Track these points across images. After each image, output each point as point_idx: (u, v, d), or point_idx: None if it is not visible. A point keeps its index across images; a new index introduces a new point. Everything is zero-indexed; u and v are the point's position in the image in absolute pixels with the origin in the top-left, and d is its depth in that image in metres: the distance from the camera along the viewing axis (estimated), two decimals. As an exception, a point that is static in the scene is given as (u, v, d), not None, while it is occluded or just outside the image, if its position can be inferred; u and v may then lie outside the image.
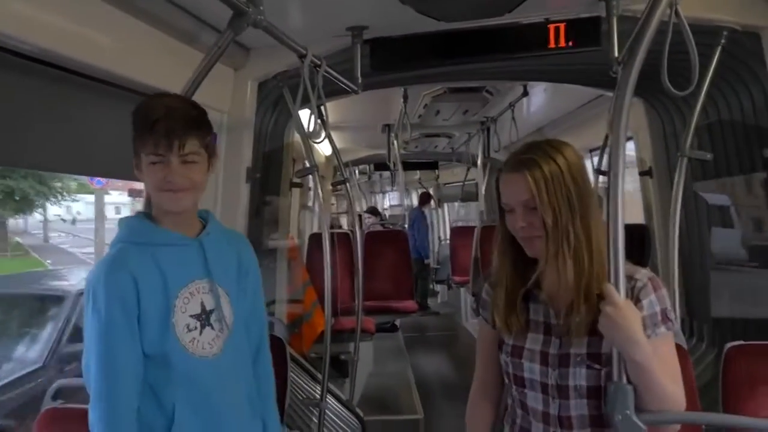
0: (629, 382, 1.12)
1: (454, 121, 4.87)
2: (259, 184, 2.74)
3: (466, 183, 7.30)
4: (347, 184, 3.28)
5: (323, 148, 4.81)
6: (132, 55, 1.78)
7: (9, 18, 1.33)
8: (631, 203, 3.36)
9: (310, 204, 4.84)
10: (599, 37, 2.08)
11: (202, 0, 1.75)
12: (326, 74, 2.17)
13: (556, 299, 1.23)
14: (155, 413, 1.26)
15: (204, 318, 1.30)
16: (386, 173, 7.93)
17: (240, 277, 1.40)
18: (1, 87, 1.50)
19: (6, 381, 3.43)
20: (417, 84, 3.45)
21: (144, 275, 1.25)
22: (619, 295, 1.11)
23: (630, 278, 1.17)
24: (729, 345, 1.85)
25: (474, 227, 6.13)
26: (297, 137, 3.02)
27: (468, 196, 7.74)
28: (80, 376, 1.28)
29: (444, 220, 10.09)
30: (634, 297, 1.16)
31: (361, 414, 3.11)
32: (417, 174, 9.71)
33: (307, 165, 2.57)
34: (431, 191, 9.52)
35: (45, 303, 4.21)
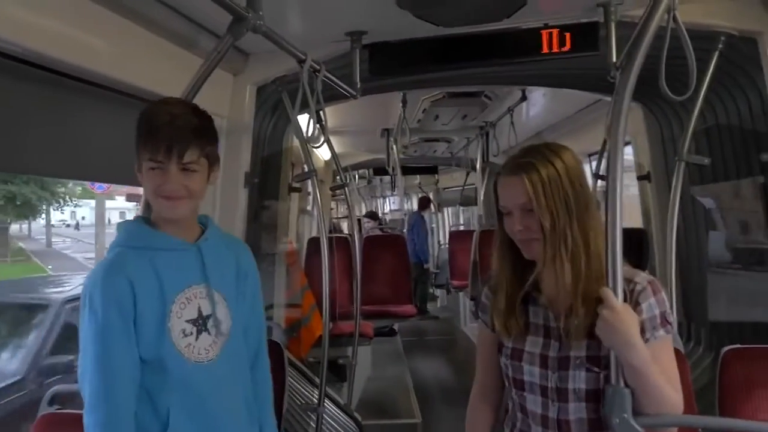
0: (627, 385, 1.12)
1: (453, 125, 4.88)
2: (257, 189, 2.74)
3: (465, 187, 7.32)
4: (346, 189, 3.28)
5: (322, 153, 4.83)
6: (130, 60, 1.78)
7: (6, 22, 1.33)
8: (630, 207, 3.37)
9: (309, 208, 4.85)
10: (597, 42, 2.09)
11: (201, 5, 1.75)
12: (325, 79, 2.17)
13: (555, 302, 1.23)
14: (150, 418, 1.26)
15: (200, 323, 1.30)
16: (387, 178, 7.94)
17: (239, 282, 1.40)
18: None
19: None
20: (416, 89, 3.46)
21: (141, 279, 1.25)
22: (616, 298, 1.11)
23: (629, 281, 1.18)
24: (726, 348, 1.86)
25: (472, 231, 6.14)
26: (296, 142, 3.02)
27: (467, 200, 7.76)
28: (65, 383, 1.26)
29: (444, 224, 10.10)
30: (634, 300, 1.17)
31: (359, 418, 3.11)
32: (417, 178, 9.73)
33: (306, 169, 2.57)
34: (431, 196, 9.54)
35: (28, 312, 4.09)
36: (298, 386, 2.73)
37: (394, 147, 4.93)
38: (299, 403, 2.63)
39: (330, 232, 4.79)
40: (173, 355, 1.26)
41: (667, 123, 2.83)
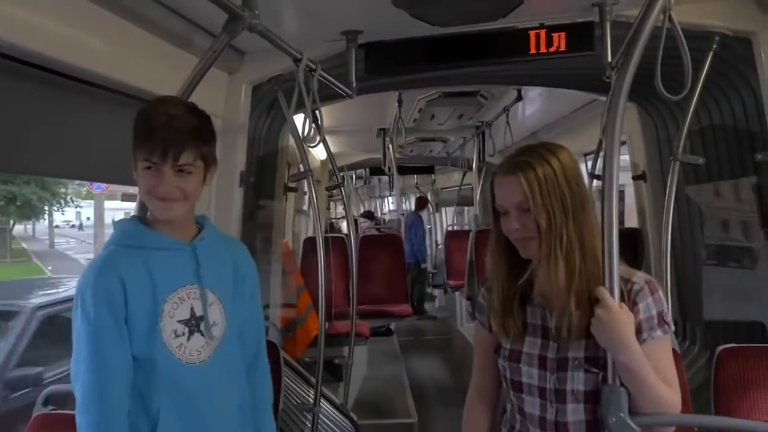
0: (623, 385, 1.13)
1: (449, 125, 4.89)
2: (253, 188, 2.73)
3: (462, 187, 7.32)
4: (342, 189, 3.28)
5: (318, 152, 4.82)
6: (126, 59, 1.77)
7: (1, 21, 1.32)
8: (632, 207, 3.39)
9: (305, 208, 4.84)
10: (592, 42, 2.09)
11: (197, 4, 1.75)
12: (321, 78, 2.17)
13: (551, 301, 1.23)
14: (142, 417, 1.25)
15: (193, 324, 1.29)
16: (385, 178, 7.94)
17: (236, 284, 1.39)
18: None
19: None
20: (411, 88, 3.46)
21: (132, 278, 1.24)
22: (611, 298, 1.12)
23: (627, 281, 1.18)
24: (721, 348, 1.86)
25: (469, 231, 6.14)
26: (291, 141, 3.02)
27: (464, 200, 7.77)
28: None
29: (442, 224, 10.11)
30: (631, 300, 1.17)
31: (355, 418, 3.10)
32: (414, 178, 9.73)
33: (302, 169, 2.57)
34: (429, 196, 9.55)
35: (-4, 319, 3.78)
36: (294, 386, 2.72)
37: (390, 147, 4.93)
38: (295, 403, 2.62)
39: (328, 231, 4.79)
40: (164, 355, 1.25)
41: (662, 123, 2.84)
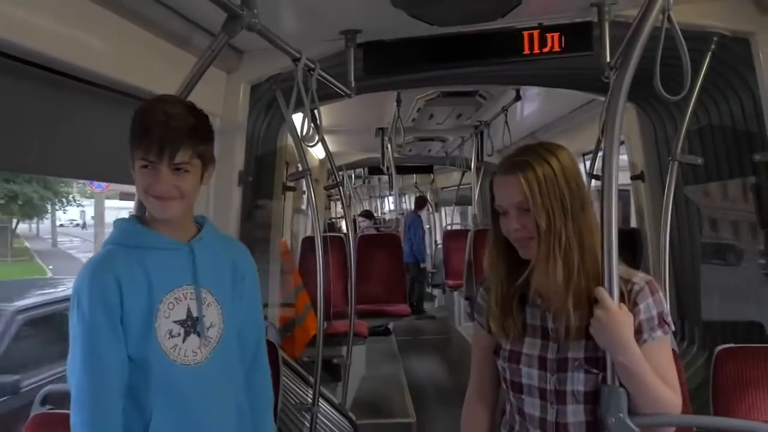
0: (622, 385, 1.13)
1: (448, 125, 4.89)
2: (251, 188, 2.73)
3: (461, 187, 7.32)
4: (340, 188, 3.28)
5: (317, 152, 4.82)
6: (125, 58, 1.77)
7: (1, 20, 1.32)
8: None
9: (303, 207, 4.84)
10: (591, 42, 2.09)
11: (195, 3, 1.74)
12: (320, 78, 2.17)
13: (547, 299, 1.23)
14: (135, 417, 1.25)
15: (189, 325, 1.28)
16: (385, 177, 7.94)
17: (235, 284, 1.38)
18: None
19: None
20: (410, 88, 3.46)
21: (128, 278, 1.23)
22: (610, 298, 1.12)
23: (627, 281, 1.18)
24: (719, 348, 1.87)
25: (467, 231, 6.14)
26: (290, 140, 3.02)
27: (463, 200, 7.77)
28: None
29: (442, 223, 10.11)
30: (632, 301, 1.16)
31: (354, 418, 3.10)
32: (413, 178, 9.73)
33: (300, 168, 2.57)
34: (429, 195, 9.55)
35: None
36: (293, 386, 2.72)
37: (389, 146, 4.93)
38: (293, 402, 2.62)
39: (327, 230, 4.79)
40: (158, 355, 1.24)
41: (661, 123, 2.84)
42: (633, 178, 3.10)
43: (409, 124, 4.56)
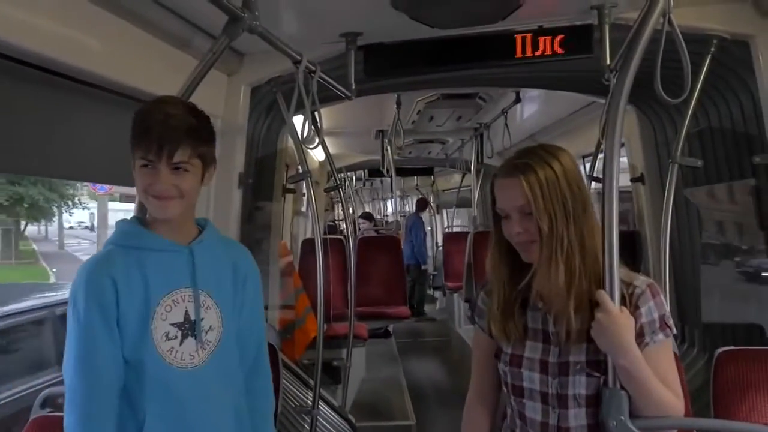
0: (624, 388, 1.13)
1: (448, 127, 4.89)
2: (251, 190, 2.73)
3: (461, 189, 7.32)
4: (341, 190, 3.28)
5: (317, 154, 4.82)
6: (125, 60, 1.77)
7: (1, 21, 1.32)
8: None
9: (304, 209, 4.84)
10: (591, 44, 2.09)
11: (196, 5, 1.74)
12: (320, 80, 2.17)
13: (548, 302, 1.23)
14: (129, 420, 1.24)
15: (186, 328, 1.27)
16: (388, 180, 7.94)
17: (236, 287, 1.37)
18: None
19: None
20: (410, 90, 3.46)
21: (125, 279, 1.23)
22: (611, 301, 1.11)
23: (629, 284, 1.18)
24: (719, 350, 1.87)
25: (467, 233, 6.14)
26: (290, 142, 3.02)
27: (463, 202, 7.77)
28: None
29: (443, 225, 10.11)
30: (633, 304, 1.16)
31: (354, 420, 3.10)
32: (415, 180, 9.74)
33: (301, 171, 2.57)
34: (430, 197, 9.55)
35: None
36: (292, 388, 2.72)
37: (389, 148, 4.94)
38: (293, 405, 2.62)
39: (328, 232, 4.79)
40: (154, 358, 1.23)
41: (661, 125, 2.84)
42: (633, 180, 3.11)
43: (409, 126, 4.56)
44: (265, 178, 2.95)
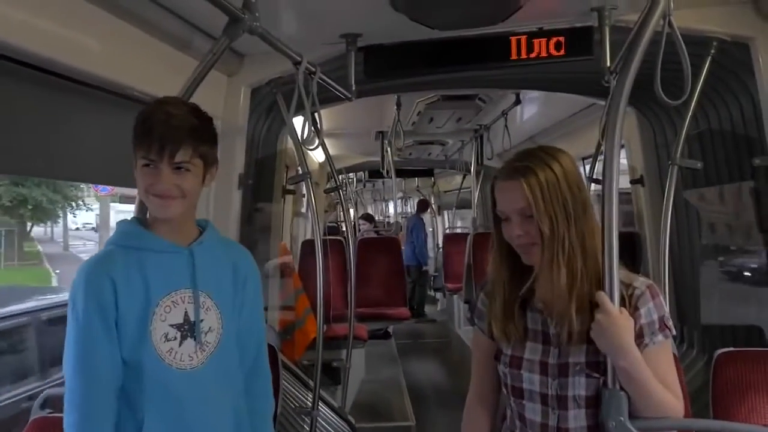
0: (623, 389, 1.13)
1: (448, 128, 4.89)
2: (251, 191, 2.73)
3: (462, 190, 7.33)
4: (340, 191, 3.28)
5: (317, 155, 4.82)
6: (125, 61, 1.77)
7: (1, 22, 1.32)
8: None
9: (303, 211, 4.84)
10: (591, 46, 2.10)
11: (196, 6, 1.75)
12: (320, 81, 2.17)
13: (552, 307, 1.23)
14: (128, 420, 1.24)
15: (186, 329, 1.27)
16: (390, 181, 7.95)
17: (236, 289, 1.36)
18: None
19: None
20: (410, 91, 3.47)
21: (125, 279, 1.23)
22: (611, 302, 1.12)
23: (628, 286, 1.18)
24: (719, 351, 1.87)
25: (467, 234, 6.14)
26: (290, 144, 3.02)
27: (464, 203, 7.78)
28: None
29: (444, 227, 10.12)
30: (633, 305, 1.16)
31: (353, 421, 3.10)
32: (416, 181, 9.75)
33: (301, 172, 2.57)
34: (432, 199, 9.56)
35: None
36: (292, 389, 2.72)
37: (389, 149, 4.94)
38: (293, 406, 2.62)
39: (330, 233, 4.79)
40: (153, 358, 1.23)
41: (660, 127, 2.85)
42: (633, 182, 3.11)
43: (409, 127, 4.56)
44: (264, 179, 2.95)
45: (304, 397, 2.74)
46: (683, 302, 2.82)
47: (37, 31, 1.43)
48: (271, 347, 1.90)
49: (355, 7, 2.00)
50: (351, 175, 8.08)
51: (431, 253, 8.86)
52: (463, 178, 7.06)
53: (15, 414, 3.64)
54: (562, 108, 3.79)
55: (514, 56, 2.21)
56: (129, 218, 1.38)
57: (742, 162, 2.34)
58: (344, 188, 6.01)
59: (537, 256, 1.19)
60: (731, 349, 1.89)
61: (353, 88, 2.37)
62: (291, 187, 3.41)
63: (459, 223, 9.77)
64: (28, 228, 20.71)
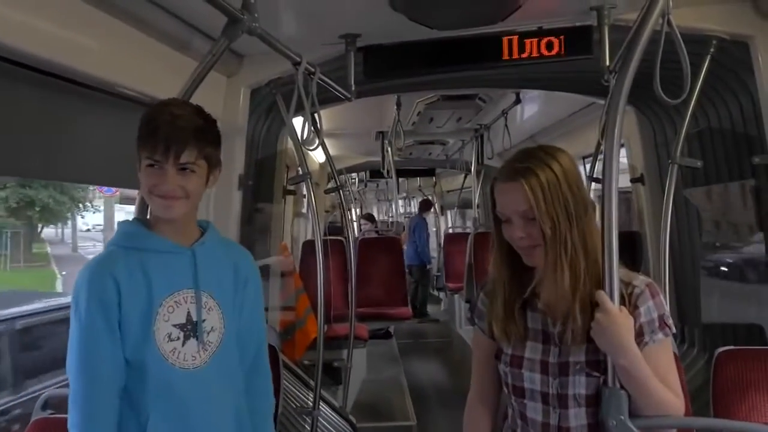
0: (623, 387, 1.13)
1: (448, 128, 4.90)
2: (251, 192, 2.73)
3: (463, 190, 7.33)
4: (340, 191, 3.29)
5: (317, 155, 4.82)
6: (124, 62, 1.77)
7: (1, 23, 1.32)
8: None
9: (304, 211, 4.84)
10: (591, 45, 2.10)
11: (195, 6, 1.75)
12: (320, 82, 2.17)
13: (553, 307, 1.23)
14: (131, 421, 1.25)
15: (188, 329, 1.28)
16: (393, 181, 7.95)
17: (236, 289, 1.37)
18: None
19: None
20: (410, 91, 3.47)
21: (128, 280, 1.23)
22: (611, 301, 1.12)
23: (628, 284, 1.18)
24: (719, 350, 1.87)
25: (467, 234, 6.14)
26: (290, 144, 3.02)
27: (465, 203, 7.78)
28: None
29: (447, 226, 10.11)
30: (632, 303, 1.16)
31: (354, 421, 3.10)
32: (418, 181, 9.75)
33: (301, 172, 2.57)
34: (434, 199, 9.56)
35: None
36: (293, 389, 2.72)
37: (389, 149, 4.94)
38: (294, 406, 2.62)
39: (333, 233, 4.78)
40: (156, 358, 1.24)
41: (660, 126, 2.85)
42: (633, 181, 3.11)
43: (409, 127, 4.56)
44: (265, 179, 2.96)
45: (305, 396, 2.75)
46: (684, 301, 2.82)
47: (35, 32, 1.43)
48: (271, 347, 1.90)
49: (355, 7, 2.00)
50: (353, 175, 8.08)
51: (434, 253, 8.85)
52: (464, 177, 7.06)
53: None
54: (562, 107, 3.79)
55: (513, 56, 2.21)
56: (130, 219, 1.38)
57: (741, 160, 2.34)
58: (345, 188, 6.00)
59: (539, 258, 1.19)
60: (732, 347, 1.89)
61: (353, 89, 2.37)
62: (291, 188, 3.41)
63: (461, 223, 9.77)
64: (39, 229, 20.69)
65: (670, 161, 2.25)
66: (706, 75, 2.08)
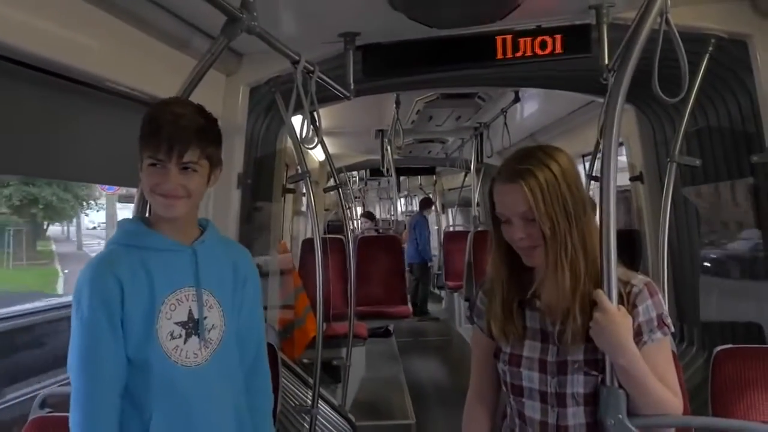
0: (621, 386, 1.13)
1: (447, 126, 4.90)
2: (250, 190, 2.73)
3: (463, 188, 7.33)
4: (340, 190, 3.29)
5: (316, 154, 4.82)
6: (123, 61, 1.77)
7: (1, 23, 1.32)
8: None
9: (303, 209, 4.84)
10: (589, 44, 2.10)
11: (195, 5, 1.75)
12: (319, 80, 2.17)
13: (553, 307, 1.23)
14: (134, 418, 1.25)
15: (190, 326, 1.28)
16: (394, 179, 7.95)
17: (236, 288, 1.38)
18: None
19: None
20: (409, 90, 3.47)
21: (130, 278, 1.24)
22: (609, 300, 1.12)
23: (626, 283, 1.18)
24: (718, 348, 1.87)
25: (467, 232, 6.15)
26: (290, 143, 3.02)
27: (466, 201, 7.79)
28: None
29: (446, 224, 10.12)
30: (631, 303, 1.16)
31: (353, 419, 3.11)
32: (418, 180, 9.75)
33: (300, 171, 2.57)
34: (436, 197, 9.56)
35: None
36: (292, 388, 2.72)
37: (389, 148, 4.94)
38: (293, 404, 2.62)
39: (334, 231, 4.79)
40: (159, 356, 1.25)
41: (659, 124, 2.85)
42: (632, 179, 3.11)
43: (409, 126, 4.57)
44: (264, 178, 2.96)
45: (304, 395, 2.75)
46: (682, 299, 2.82)
47: (36, 31, 1.43)
48: (270, 346, 1.91)
49: (354, 6, 2.00)
50: (354, 173, 8.08)
51: (435, 251, 8.85)
52: (465, 176, 7.07)
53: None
54: (561, 105, 3.79)
55: (507, 55, 2.21)
56: (131, 217, 1.39)
57: (740, 159, 2.34)
58: (345, 187, 6.01)
59: (539, 259, 1.19)
60: (730, 346, 1.89)
61: (352, 87, 2.37)
62: (291, 186, 3.41)
63: (463, 221, 9.77)
64: (45, 227, 20.66)
65: (669, 159, 2.26)
66: (704, 73, 2.08)
